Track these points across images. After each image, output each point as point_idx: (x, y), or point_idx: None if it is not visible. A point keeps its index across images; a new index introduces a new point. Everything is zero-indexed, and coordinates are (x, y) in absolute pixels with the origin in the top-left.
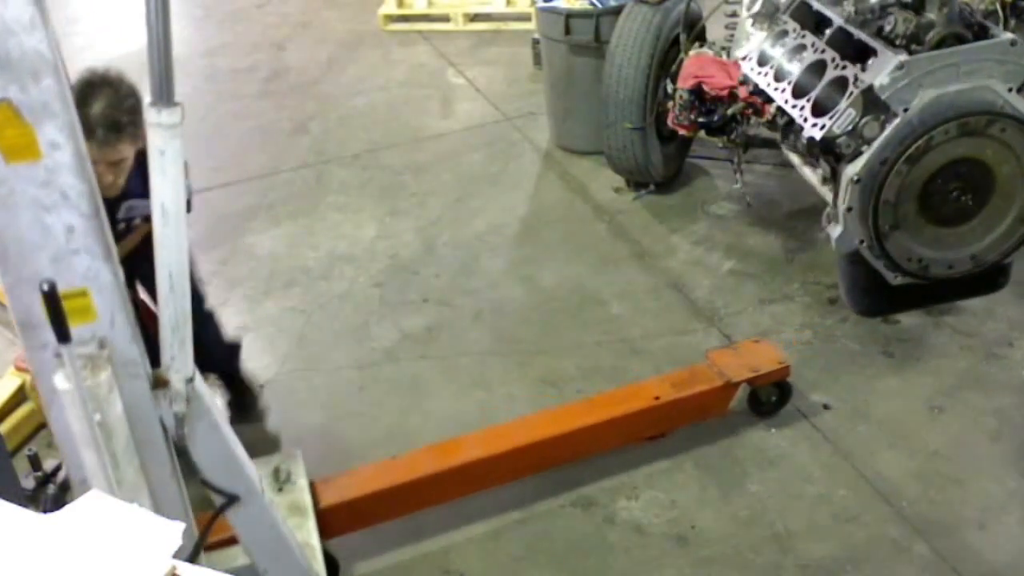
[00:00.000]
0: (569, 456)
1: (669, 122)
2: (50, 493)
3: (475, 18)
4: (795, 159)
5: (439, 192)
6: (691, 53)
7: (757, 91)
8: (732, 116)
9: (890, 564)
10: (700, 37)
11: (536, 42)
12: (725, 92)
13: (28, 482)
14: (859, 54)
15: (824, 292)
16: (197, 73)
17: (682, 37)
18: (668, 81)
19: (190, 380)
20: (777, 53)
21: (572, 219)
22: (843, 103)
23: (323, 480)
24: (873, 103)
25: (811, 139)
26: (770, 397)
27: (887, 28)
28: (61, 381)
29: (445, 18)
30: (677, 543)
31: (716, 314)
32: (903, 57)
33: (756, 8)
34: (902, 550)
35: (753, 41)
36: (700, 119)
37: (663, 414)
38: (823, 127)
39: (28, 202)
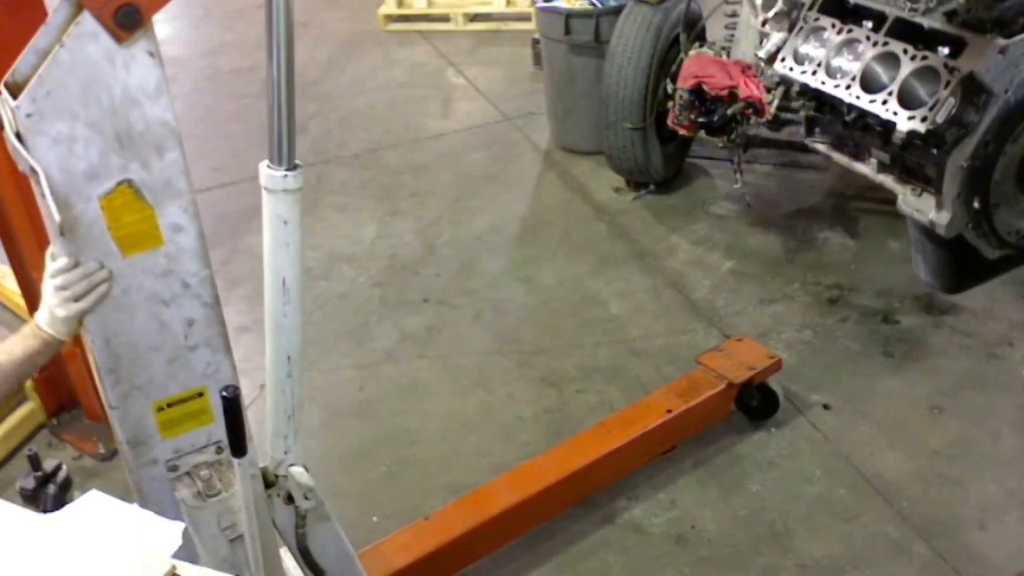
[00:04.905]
0: (598, 485)
1: (669, 122)
2: (50, 493)
3: (475, 18)
4: (836, 154)
5: (439, 192)
6: (691, 53)
7: (805, 90)
8: (732, 116)
9: (890, 564)
10: (700, 37)
11: (536, 42)
12: (725, 92)
13: (28, 482)
14: (926, 44)
15: (824, 292)
16: (198, 73)
17: (682, 37)
18: (668, 81)
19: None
20: (816, 50)
21: (572, 219)
22: (942, 92)
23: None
24: (973, 89)
25: (912, 132)
26: (752, 399)
27: (963, 15)
28: (188, 497)
29: (445, 18)
30: (677, 543)
31: (716, 314)
32: (1002, 41)
33: (777, 7)
34: (902, 550)
35: (773, 40)
36: (700, 119)
37: (677, 426)
38: (924, 118)
39: (145, 298)
